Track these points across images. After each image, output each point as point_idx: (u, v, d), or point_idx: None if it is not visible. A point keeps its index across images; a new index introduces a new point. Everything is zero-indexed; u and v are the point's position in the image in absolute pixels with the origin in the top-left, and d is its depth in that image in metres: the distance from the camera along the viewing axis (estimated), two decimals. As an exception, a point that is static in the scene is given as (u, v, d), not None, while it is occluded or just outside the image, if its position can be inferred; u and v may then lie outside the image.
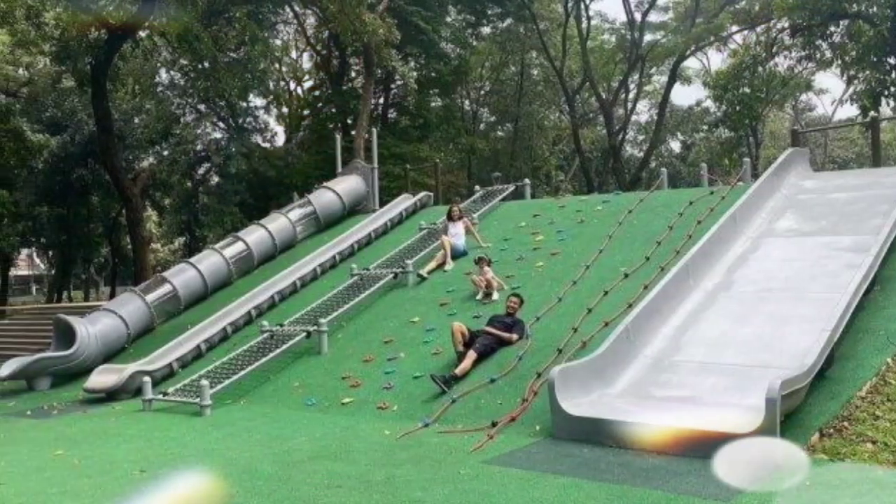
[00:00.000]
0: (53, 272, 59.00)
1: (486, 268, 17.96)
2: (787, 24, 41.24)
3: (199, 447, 12.17)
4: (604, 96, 53.40)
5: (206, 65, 32.89)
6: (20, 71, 41.49)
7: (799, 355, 11.11)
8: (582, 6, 49.76)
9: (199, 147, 44.86)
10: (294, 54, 50.32)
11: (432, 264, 20.41)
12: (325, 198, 27.11)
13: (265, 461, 10.75)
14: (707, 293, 14.34)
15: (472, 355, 14.32)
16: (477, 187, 26.93)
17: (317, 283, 22.51)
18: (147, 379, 16.76)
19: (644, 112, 67.35)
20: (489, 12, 50.70)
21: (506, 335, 14.80)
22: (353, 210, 27.55)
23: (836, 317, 11.62)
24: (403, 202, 26.67)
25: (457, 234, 20.94)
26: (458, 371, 14.09)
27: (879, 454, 9.29)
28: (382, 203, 27.74)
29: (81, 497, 9.48)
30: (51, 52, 32.92)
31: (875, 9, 34.49)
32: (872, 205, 16.38)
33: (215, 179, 46.65)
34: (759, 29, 46.34)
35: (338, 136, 31.98)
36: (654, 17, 51.55)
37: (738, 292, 14.23)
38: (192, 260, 24.55)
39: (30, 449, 12.74)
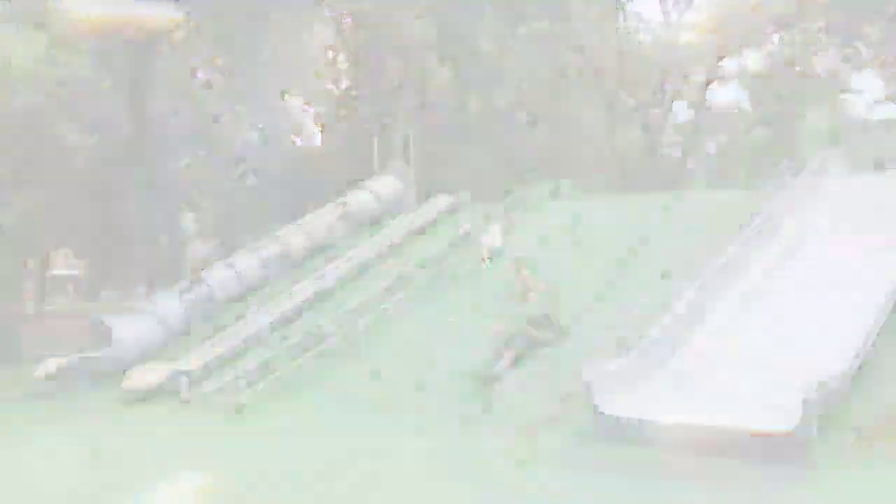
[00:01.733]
0: (90, 273, 59.36)
1: (524, 269, 17.94)
2: (824, 24, 40.97)
3: (237, 445, 12.24)
4: (641, 96, 53.11)
5: (244, 65, 33.02)
6: (56, 71, 41.69)
7: (838, 355, 11.04)
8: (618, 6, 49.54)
9: (235, 147, 45.04)
10: (330, 54, 50.33)
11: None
12: (361, 198, 27.13)
13: (303, 460, 10.79)
14: (746, 294, 14.26)
15: (509, 355, 14.32)
16: (515, 188, 26.89)
17: (354, 283, 22.54)
18: (185, 378, 16.84)
19: (681, 112, 67.06)
20: (526, 12, 50.63)
21: (543, 335, 14.78)
22: (389, 210, 27.55)
23: (875, 316, 11.55)
24: (440, 202, 26.64)
25: (494, 235, 20.92)
26: (496, 371, 14.09)
27: (918, 454, 9.24)
28: (419, 203, 27.70)
29: (121, 494, 9.56)
30: (88, 52, 33.10)
31: (914, 9, 34.26)
32: (912, 205, 16.24)
33: (252, 179, 46.86)
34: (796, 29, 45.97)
35: (374, 137, 32.00)
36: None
37: (776, 292, 14.14)
38: (229, 260, 24.61)
39: (68, 447, 12.85)
